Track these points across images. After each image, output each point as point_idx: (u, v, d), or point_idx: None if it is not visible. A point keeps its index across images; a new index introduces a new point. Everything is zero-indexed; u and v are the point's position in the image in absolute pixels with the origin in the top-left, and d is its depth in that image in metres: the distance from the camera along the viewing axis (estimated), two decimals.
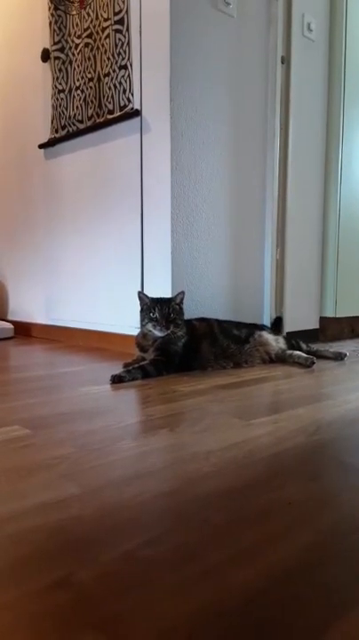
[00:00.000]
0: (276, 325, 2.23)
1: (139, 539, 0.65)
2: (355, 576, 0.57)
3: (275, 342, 2.03)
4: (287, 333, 2.41)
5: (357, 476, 0.86)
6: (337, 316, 2.72)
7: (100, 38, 2.26)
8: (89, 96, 2.35)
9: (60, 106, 2.52)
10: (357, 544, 0.64)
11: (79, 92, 2.40)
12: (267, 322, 2.39)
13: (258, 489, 0.81)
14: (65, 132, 2.50)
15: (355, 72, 2.65)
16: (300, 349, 2.06)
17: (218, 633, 0.48)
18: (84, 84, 2.37)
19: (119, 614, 0.51)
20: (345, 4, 2.57)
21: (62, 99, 2.50)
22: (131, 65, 2.12)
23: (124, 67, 2.15)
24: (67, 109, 2.48)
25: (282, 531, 0.67)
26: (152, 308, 1.75)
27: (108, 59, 2.23)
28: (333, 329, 2.74)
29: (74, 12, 2.39)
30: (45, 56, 2.59)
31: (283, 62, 2.39)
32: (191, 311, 1.98)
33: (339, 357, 2.05)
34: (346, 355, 2.06)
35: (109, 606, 0.52)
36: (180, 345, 1.78)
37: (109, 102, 2.24)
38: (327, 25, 2.59)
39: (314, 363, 1.89)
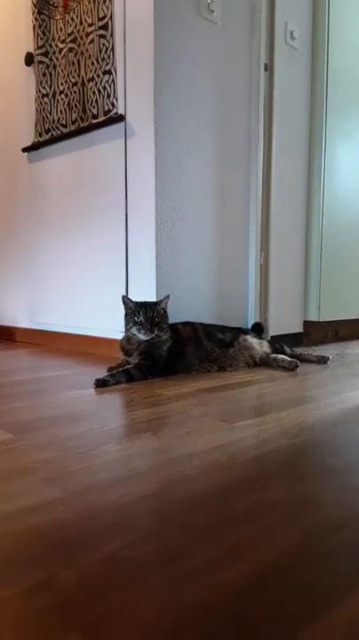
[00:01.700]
0: (256, 331, 2.25)
1: (122, 541, 0.65)
2: (336, 575, 0.58)
3: (260, 346, 2.04)
4: (271, 337, 2.43)
5: (339, 478, 0.87)
6: (320, 320, 2.75)
7: (84, 43, 2.26)
8: (73, 100, 2.35)
9: (44, 110, 2.51)
10: (339, 544, 0.65)
11: (63, 96, 2.40)
12: (251, 326, 2.40)
13: (241, 491, 0.81)
14: (49, 136, 2.50)
15: (337, 80, 2.69)
16: (284, 353, 2.07)
17: (200, 634, 0.48)
18: (68, 88, 2.37)
19: (102, 616, 0.51)
20: (327, 12, 2.61)
21: (46, 103, 2.50)
22: (115, 70, 2.13)
23: (109, 72, 2.16)
24: (50, 113, 2.48)
25: (265, 532, 0.68)
26: (136, 311, 1.75)
27: (92, 64, 2.23)
28: (317, 333, 2.77)
29: (58, 17, 2.40)
30: (29, 60, 2.59)
31: (266, 70, 2.42)
32: (175, 315, 1.99)
33: (323, 361, 2.07)
34: (329, 358, 2.08)
35: (92, 608, 0.52)
36: (165, 349, 1.79)
37: (93, 107, 2.24)
38: (309, 33, 2.63)
39: (297, 366, 1.91)
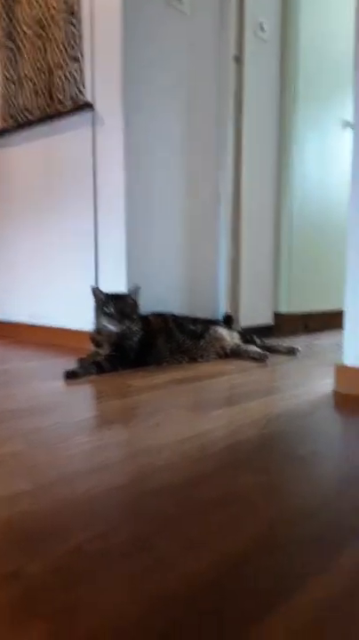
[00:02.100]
0: (226, 322, 2.26)
1: (90, 532, 0.65)
2: (300, 562, 0.59)
3: (230, 337, 2.05)
4: (242, 329, 2.44)
5: (305, 467, 0.89)
6: (290, 311, 2.78)
7: (51, 28, 2.21)
8: (40, 87, 2.30)
9: (10, 95, 2.45)
10: (304, 532, 0.66)
11: (30, 82, 2.34)
12: (222, 317, 2.42)
13: (209, 481, 0.82)
14: (14, 123, 2.44)
15: (306, 72, 2.71)
16: (254, 344, 2.09)
17: (167, 621, 0.49)
18: (35, 74, 2.31)
19: (69, 605, 0.50)
20: (296, 4, 2.62)
21: (12, 88, 2.44)
22: (82, 57, 2.09)
23: (76, 58, 2.12)
24: (16, 99, 2.42)
25: (232, 521, 0.69)
26: (107, 303, 1.74)
27: (59, 49, 2.19)
28: (287, 324, 2.81)
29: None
30: None
31: (236, 61, 2.42)
32: (146, 306, 1.98)
33: (292, 352, 2.10)
34: (298, 349, 2.11)
35: (59, 598, 0.52)
36: (136, 340, 1.78)
37: (60, 94, 2.20)
38: (279, 25, 2.64)
39: (267, 357, 1.93)
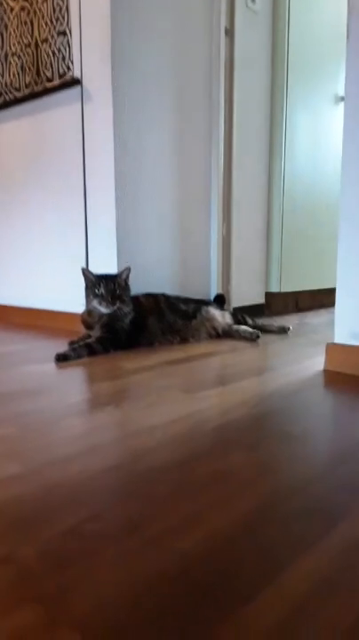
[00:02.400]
0: (218, 302, 2.26)
1: (81, 514, 0.65)
2: (291, 537, 0.60)
3: (222, 317, 2.05)
4: (234, 309, 2.44)
5: (295, 444, 0.90)
6: (281, 291, 2.78)
7: (37, 2, 2.14)
8: (26, 62, 2.24)
9: None
10: (294, 507, 0.67)
11: (16, 58, 2.28)
12: (213, 297, 2.41)
13: (201, 460, 0.83)
14: (1, 100, 2.38)
15: (298, 45, 2.66)
16: (246, 324, 2.10)
17: (159, 600, 0.49)
18: (21, 49, 2.25)
19: (61, 587, 0.51)
20: None
21: None
22: (70, 31, 2.04)
23: (63, 33, 2.06)
24: (2, 76, 2.36)
25: (223, 499, 0.69)
26: (97, 284, 1.73)
27: (46, 24, 2.12)
28: (278, 304, 2.81)
29: None
30: None
31: (226, 34, 2.36)
32: (137, 287, 1.97)
33: (283, 331, 2.11)
34: (289, 328, 2.12)
35: (52, 580, 0.52)
36: (127, 321, 1.77)
37: (48, 70, 2.14)
38: None
39: (259, 337, 1.94)
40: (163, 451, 0.86)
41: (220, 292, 2.44)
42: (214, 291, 2.45)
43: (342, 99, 2.93)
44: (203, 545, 0.58)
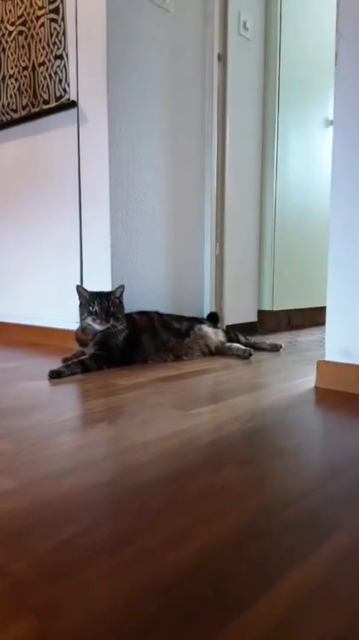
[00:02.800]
0: (212, 320, 2.28)
1: (74, 528, 0.66)
2: (282, 550, 0.61)
3: (215, 335, 2.07)
4: (227, 326, 2.46)
5: (287, 459, 0.91)
6: (274, 309, 2.81)
7: (35, 27, 2.20)
8: (23, 85, 2.29)
9: None
10: (286, 521, 0.68)
11: (13, 80, 2.33)
12: (206, 315, 2.43)
13: (193, 475, 0.83)
14: None
15: (289, 71, 2.73)
16: (239, 342, 2.11)
17: (151, 611, 0.50)
18: (19, 72, 2.30)
19: (54, 600, 0.51)
20: (279, 3, 2.64)
21: None
22: (66, 55, 2.09)
23: (60, 56, 2.11)
24: (0, 98, 2.40)
25: (215, 513, 0.70)
26: (91, 301, 1.74)
27: (43, 48, 2.18)
28: (271, 322, 2.83)
29: None
30: None
31: (219, 60, 2.43)
32: (131, 305, 1.99)
33: (275, 349, 2.13)
34: (281, 346, 2.14)
35: (45, 593, 0.53)
36: (121, 339, 1.78)
37: (45, 92, 2.19)
38: (263, 24, 2.65)
39: (251, 354, 1.95)
40: (155, 466, 0.87)
41: (213, 310, 2.47)
42: (207, 309, 2.47)
43: (332, 122, 3.01)
44: (194, 558, 0.59)
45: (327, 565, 0.58)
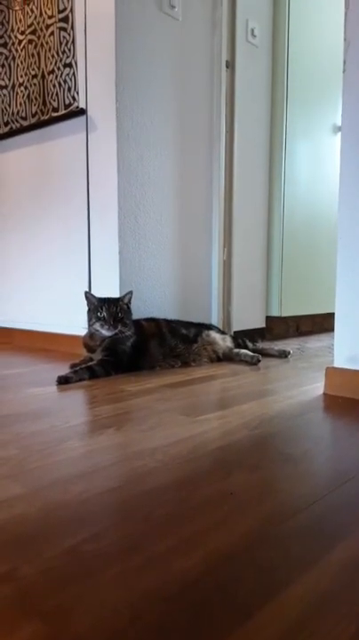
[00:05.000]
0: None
1: (82, 534, 0.66)
2: (289, 558, 0.60)
3: (223, 341, 2.07)
4: (234, 332, 2.46)
5: (295, 466, 0.90)
6: (282, 315, 2.80)
7: (44, 35, 2.23)
8: (33, 93, 2.31)
9: (3, 102, 2.46)
10: (294, 527, 0.68)
11: (23, 88, 2.36)
12: (214, 321, 2.43)
13: (201, 481, 0.83)
14: (8, 129, 2.45)
15: (297, 77, 2.74)
16: (247, 348, 2.11)
17: (158, 619, 0.50)
18: (28, 80, 2.33)
19: (61, 605, 0.51)
20: (287, 10, 2.65)
21: (5, 95, 2.45)
22: (76, 63, 2.11)
23: (69, 65, 2.13)
24: (10, 106, 2.43)
25: (222, 519, 0.70)
26: (99, 307, 1.75)
27: (53, 56, 2.20)
28: (279, 328, 2.83)
29: (17, 8, 2.35)
30: None
31: (227, 67, 2.44)
32: (139, 311, 1.99)
33: (284, 355, 2.12)
34: (290, 352, 2.13)
35: (52, 598, 0.53)
36: (129, 345, 1.79)
37: (54, 100, 2.21)
38: (270, 31, 2.67)
39: (259, 360, 1.95)
40: (163, 472, 0.87)
41: (221, 315, 2.46)
42: (215, 315, 2.47)
43: (340, 129, 3.01)
44: (202, 564, 0.59)
45: (336, 572, 0.57)
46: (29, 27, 2.29)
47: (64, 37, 2.14)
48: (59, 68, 2.18)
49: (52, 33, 2.19)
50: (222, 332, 2.17)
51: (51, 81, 2.22)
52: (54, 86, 2.21)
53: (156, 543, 0.63)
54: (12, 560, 0.59)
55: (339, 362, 1.43)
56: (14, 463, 0.91)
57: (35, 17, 2.26)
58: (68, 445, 1.00)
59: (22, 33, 2.34)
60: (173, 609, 0.51)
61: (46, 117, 2.25)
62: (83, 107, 2.10)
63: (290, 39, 2.68)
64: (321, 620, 0.50)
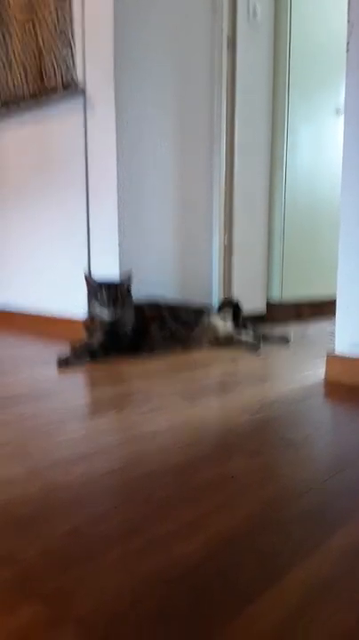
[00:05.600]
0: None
1: (83, 516, 0.66)
2: (292, 542, 0.60)
3: (224, 326, 2.06)
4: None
5: (296, 451, 0.90)
6: (283, 300, 2.79)
7: (43, 13, 2.18)
8: (30, 72, 2.27)
9: (0, 80, 2.42)
10: (295, 512, 0.67)
11: (20, 66, 2.31)
12: (215, 306, 2.42)
13: (202, 465, 0.83)
14: (4, 108, 2.41)
15: (299, 57, 2.69)
16: (248, 333, 2.10)
17: (159, 601, 0.50)
18: (26, 59, 2.28)
19: (62, 587, 0.51)
20: None
21: (2, 73, 2.40)
22: (73, 41, 2.06)
23: (67, 43, 2.09)
24: (7, 84, 2.39)
25: (224, 503, 0.70)
26: (99, 290, 1.73)
27: (51, 34, 2.15)
28: (280, 313, 2.82)
29: None
30: None
31: (228, 46, 2.39)
32: (140, 293, 1.97)
33: (284, 341, 2.11)
34: (290, 338, 2.13)
35: (53, 580, 0.52)
36: (129, 327, 1.78)
37: (52, 79, 2.17)
38: (272, 10, 2.60)
39: (260, 346, 1.94)
40: (164, 455, 0.86)
41: (221, 296, 2.45)
42: (216, 298, 2.45)
43: (343, 110, 2.96)
44: (203, 548, 0.59)
45: (337, 557, 0.57)
46: (27, 4, 2.24)
47: (62, 16, 2.09)
48: (56, 46, 2.13)
49: (50, 10, 2.14)
50: (223, 317, 2.16)
51: (49, 60, 2.17)
52: (52, 65, 2.16)
53: (157, 526, 0.63)
54: (13, 542, 0.59)
55: (341, 348, 1.43)
56: (15, 444, 0.90)
57: None
58: (69, 427, 1.00)
59: (20, 9, 2.28)
60: (174, 593, 0.51)
61: (44, 96, 2.20)
62: (81, 85, 2.05)
63: (292, 19, 2.62)
64: (321, 605, 0.50)
